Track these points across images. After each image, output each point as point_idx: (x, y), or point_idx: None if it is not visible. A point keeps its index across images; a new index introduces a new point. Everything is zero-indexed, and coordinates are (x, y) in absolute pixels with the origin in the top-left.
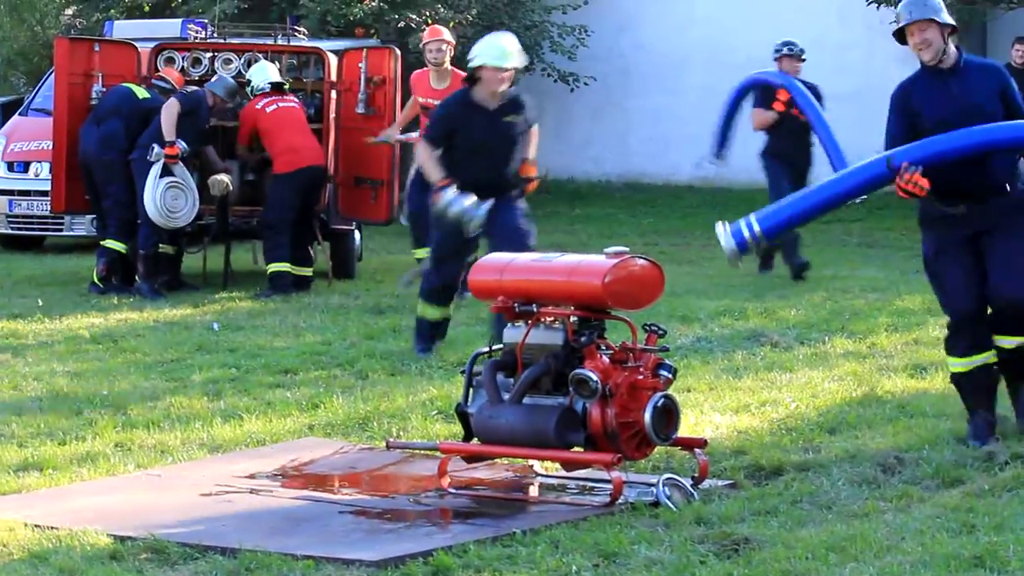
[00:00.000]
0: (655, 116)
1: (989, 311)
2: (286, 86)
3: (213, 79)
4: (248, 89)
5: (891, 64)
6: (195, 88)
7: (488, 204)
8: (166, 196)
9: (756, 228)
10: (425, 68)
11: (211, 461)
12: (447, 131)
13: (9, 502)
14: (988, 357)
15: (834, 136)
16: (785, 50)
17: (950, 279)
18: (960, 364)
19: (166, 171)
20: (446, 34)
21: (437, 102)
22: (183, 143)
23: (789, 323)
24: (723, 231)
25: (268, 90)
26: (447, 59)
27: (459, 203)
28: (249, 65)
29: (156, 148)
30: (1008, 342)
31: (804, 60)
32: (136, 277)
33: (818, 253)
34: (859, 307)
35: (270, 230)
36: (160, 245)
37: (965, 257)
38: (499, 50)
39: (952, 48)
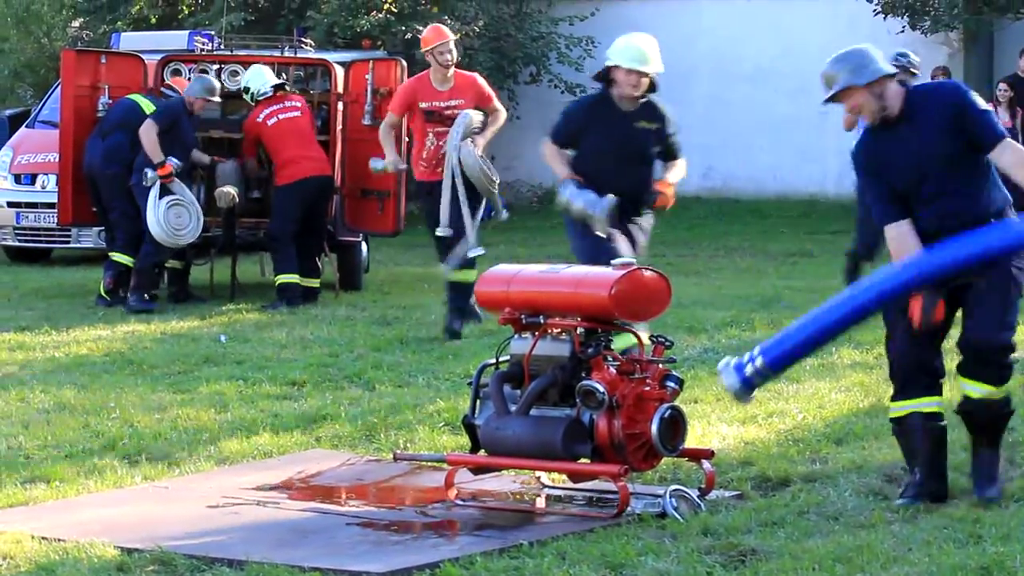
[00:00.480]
0: None
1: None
2: (286, 86)
3: (190, 82)
4: (248, 96)
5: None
6: (166, 100)
7: (610, 199)
8: (169, 215)
9: (759, 362)
10: (419, 75)
11: (218, 473)
12: (577, 130)
13: (16, 514)
14: (927, 405)
15: None
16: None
17: (897, 319)
18: (896, 408)
19: (165, 191)
20: (450, 33)
21: (442, 104)
22: (174, 160)
23: None
24: (725, 369)
25: (271, 94)
26: (455, 58)
27: (582, 197)
28: None
29: (149, 172)
30: (975, 389)
31: (915, 73)
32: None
33: (825, 264)
34: None
35: (275, 242)
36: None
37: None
38: (636, 52)
39: (892, 92)
